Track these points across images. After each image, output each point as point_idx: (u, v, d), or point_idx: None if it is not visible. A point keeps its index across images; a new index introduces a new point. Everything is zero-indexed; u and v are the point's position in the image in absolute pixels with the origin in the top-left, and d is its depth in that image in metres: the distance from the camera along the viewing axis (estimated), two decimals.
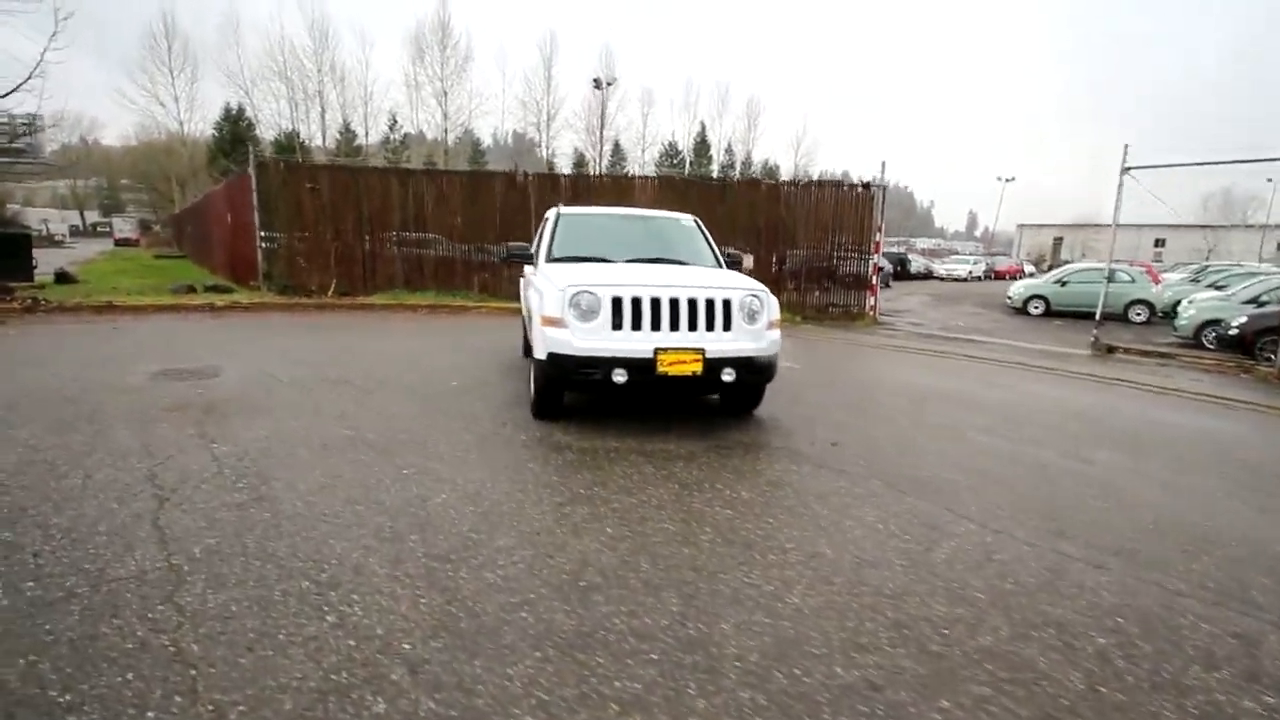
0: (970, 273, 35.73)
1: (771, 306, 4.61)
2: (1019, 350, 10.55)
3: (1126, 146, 10.25)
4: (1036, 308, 17.50)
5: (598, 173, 37.55)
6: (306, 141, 39.66)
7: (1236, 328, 10.41)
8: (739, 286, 4.55)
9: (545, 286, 4.58)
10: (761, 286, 4.67)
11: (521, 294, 7.09)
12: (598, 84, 33.43)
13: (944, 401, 6.29)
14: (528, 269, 6.72)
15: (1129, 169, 10.27)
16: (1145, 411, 6.50)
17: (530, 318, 5.41)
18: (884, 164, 12.79)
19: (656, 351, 4.21)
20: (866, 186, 12.99)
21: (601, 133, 43.65)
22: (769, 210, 13.30)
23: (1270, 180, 37.30)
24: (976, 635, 2.37)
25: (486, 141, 49.45)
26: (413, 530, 3.01)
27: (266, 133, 38.83)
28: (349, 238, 13.39)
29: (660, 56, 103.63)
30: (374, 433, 4.43)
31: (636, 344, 4.25)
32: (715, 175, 42.90)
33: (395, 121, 41.70)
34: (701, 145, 49.94)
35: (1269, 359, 9.38)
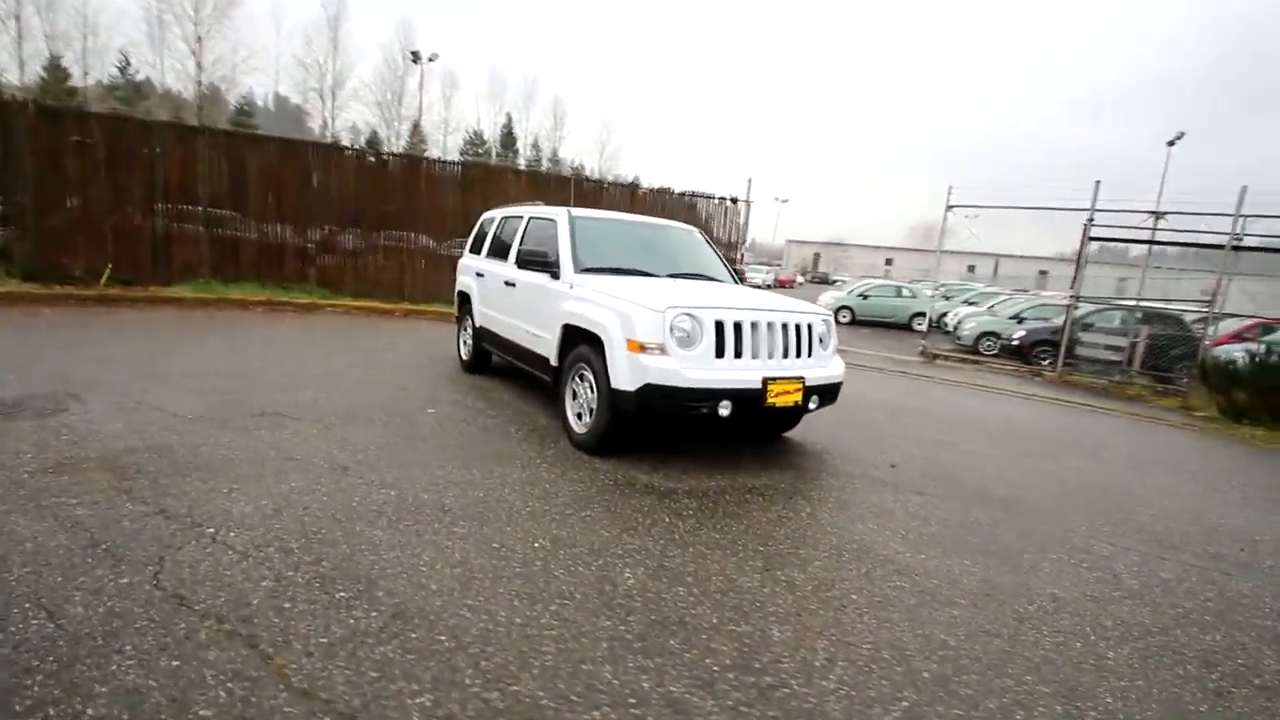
0: (764, 281, 40.04)
1: (834, 329, 4.55)
2: (868, 357, 11.98)
3: (950, 188, 12.25)
4: (844, 317, 20.12)
5: (453, 157, 34.16)
6: None
7: (1017, 339, 13.07)
8: (811, 309, 4.41)
9: (619, 305, 3.96)
10: (821, 308, 4.60)
11: (477, 298, 6.11)
12: (415, 57, 30.15)
13: (871, 409, 6.85)
14: (482, 266, 5.84)
15: (951, 206, 12.29)
16: (989, 404, 7.81)
17: (521, 327, 4.78)
18: (749, 180, 13.60)
19: (765, 381, 3.89)
20: (735, 201, 13.69)
21: (401, 110, 39.87)
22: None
23: (969, 216, 47.46)
24: None
25: (256, 102, 42.11)
26: (680, 639, 2.35)
27: None
28: (133, 211, 10.33)
29: (465, 40, 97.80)
30: (424, 490, 3.43)
31: (745, 374, 3.88)
32: (568, 172, 41.86)
33: (128, 64, 33.44)
34: (508, 137, 48.48)
35: (1047, 364, 11.94)
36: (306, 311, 10.16)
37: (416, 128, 44.09)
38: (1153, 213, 10.53)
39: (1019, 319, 14.73)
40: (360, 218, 11.79)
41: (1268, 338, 10.35)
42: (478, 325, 6.13)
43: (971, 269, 49.96)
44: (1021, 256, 52.48)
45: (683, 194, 13.59)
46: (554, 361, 4.62)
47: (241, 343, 7.10)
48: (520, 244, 5.49)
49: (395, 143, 41.25)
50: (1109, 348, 11.27)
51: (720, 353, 3.87)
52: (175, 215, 10.65)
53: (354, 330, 8.81)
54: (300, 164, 11.49)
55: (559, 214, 5.06)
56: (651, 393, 3.74)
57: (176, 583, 2.34)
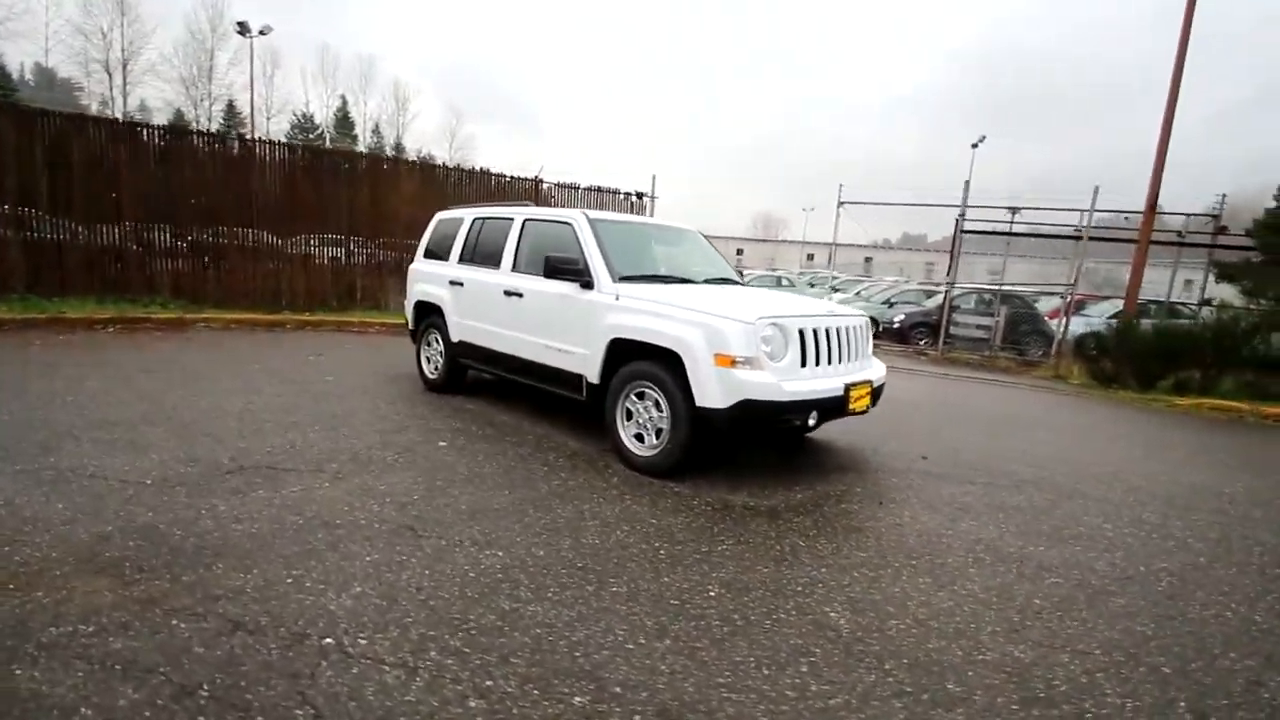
0: None
1: None
2: None
3: (841, 185, 13.15)
4: None
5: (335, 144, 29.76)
6: None
7: (898, 322, 14.41)
8: (856, 312, 4.43)
9: (697, 317, 3.65)
10: (859, 310, 4.65)
11: (453, 309, 5.43)
12: (243, 29, 25.77)
13: None
14: (459, 274, 5.23)
15: (843, 203, 13.21)
16: (909, 384, 8.59)
17: (539, 342, 4.45)
18: (654, 177, 13.57)
19: (847, 388, 3.82)
20: (640, 196, 13.60)
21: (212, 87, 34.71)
22: None
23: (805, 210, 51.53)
24: None
25: (10, 74, 34.39)
26: (955, 681, 2.17)
27: None
28: None
29: (287, 13, 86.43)
30: (530, 545, 2.92)
31: (830, 381, 3.78)
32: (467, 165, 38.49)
33: None
34: (345, 121, 44.24)
35: (925, 344, 13.30)
36: (174, 329, 8.45)
37: (232, 108, 38.78)
38: (1010, 208, 12.10)
39: (889, 304, 16.26)
40: (221, 215, 10.04)
41: (1105, 313, 12.33)
42: (455, 340, 5.44)
43: (811, 258, 54.43)
44: (850, 245, 58.39)
45: (589, 189, 13.22)
46: (592, 379, 4.20)
47: (129, 375, 5.69)
48: (518, 249, 4.94)
49: (207, 124, 35.87)
50: (979, 327, 12.80)
51: (804, 361, 3.74)
52: None
53: (252, 349, 7.47)
54: (138, 151, 9.49)
55: (574, 216, 4.59)
56: (748, 409, 3.52)
57: None
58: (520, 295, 4.74)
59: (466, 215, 5.66)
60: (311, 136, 41.56)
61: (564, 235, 4.62)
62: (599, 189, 13.28)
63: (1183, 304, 12.34)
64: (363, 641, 2.13)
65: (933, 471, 4.48)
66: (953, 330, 12.95)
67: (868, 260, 53.26)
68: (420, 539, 2.92)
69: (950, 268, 12.54)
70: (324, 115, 44.18)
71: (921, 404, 7.32)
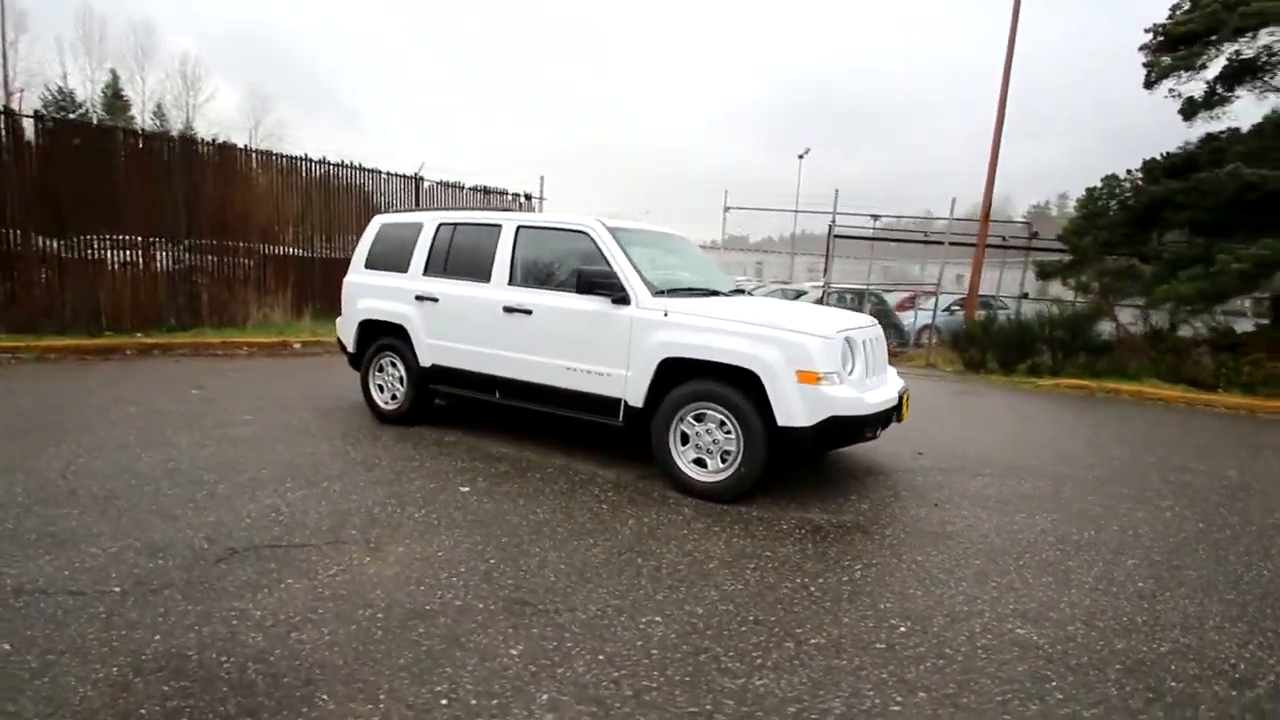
0: None
1: None
2: None
3: (726, 191, 13.66)
4: None
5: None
6: None
7: None
8: (873, 320, 4.54)
9: (772, 333, 3.48)
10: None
11: (425, 329, 4.71)
12: None
13: None
14: (432, 288, 4.61)
15: (729, 208, 13.74)
16: None
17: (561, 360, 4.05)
18: (542, 178, 13.06)
19: (900, 396, 3.87)
20: (529, 198, 13.01)
21: None
22: None
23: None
24: None
25: None
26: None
27: None
28: None
29: None
30: (677, 608, 2.55)
31: (888, 392, 3.82)
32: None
33: None
34: (117, 100, 37.15)
35: None
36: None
37: None
38: (873, 215, 13.40)
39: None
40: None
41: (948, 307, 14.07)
42: (427, 364, 4.70)
43: None
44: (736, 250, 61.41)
45: (474, 189, 12.34)
46: (634, 403, 3.85)
47: None
48: (513, 260, 4.38)
49: None
50: None
51: (868, 373, 3.74)
52: None
53: (104, 386, 5.90)
54: None
55: (590, 225, 4.15)
56: (834, 425, 3.42)
57: None
58: (527, 312, 4.20)
59: (425, 220, 4.92)
60: (80, 114, 34.29)
61: (578, 246, 4.17)
62: (485, 189, 12.47)
63: (1007, 297, 14.58)
64: None
65: (940, 466, 4.73)
66: None
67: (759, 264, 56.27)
68: (550, 616, 2.43)
69: (826, 268, 13.60)
70: (88, 92, 36.66)
71: None
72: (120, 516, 3.09)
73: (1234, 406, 7.79)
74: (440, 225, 4.80)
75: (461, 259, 4.62)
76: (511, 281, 4.35)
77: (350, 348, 5.20)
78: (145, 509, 3.19)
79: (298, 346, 8.92)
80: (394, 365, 4.92)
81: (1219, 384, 8.39)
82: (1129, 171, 11.69)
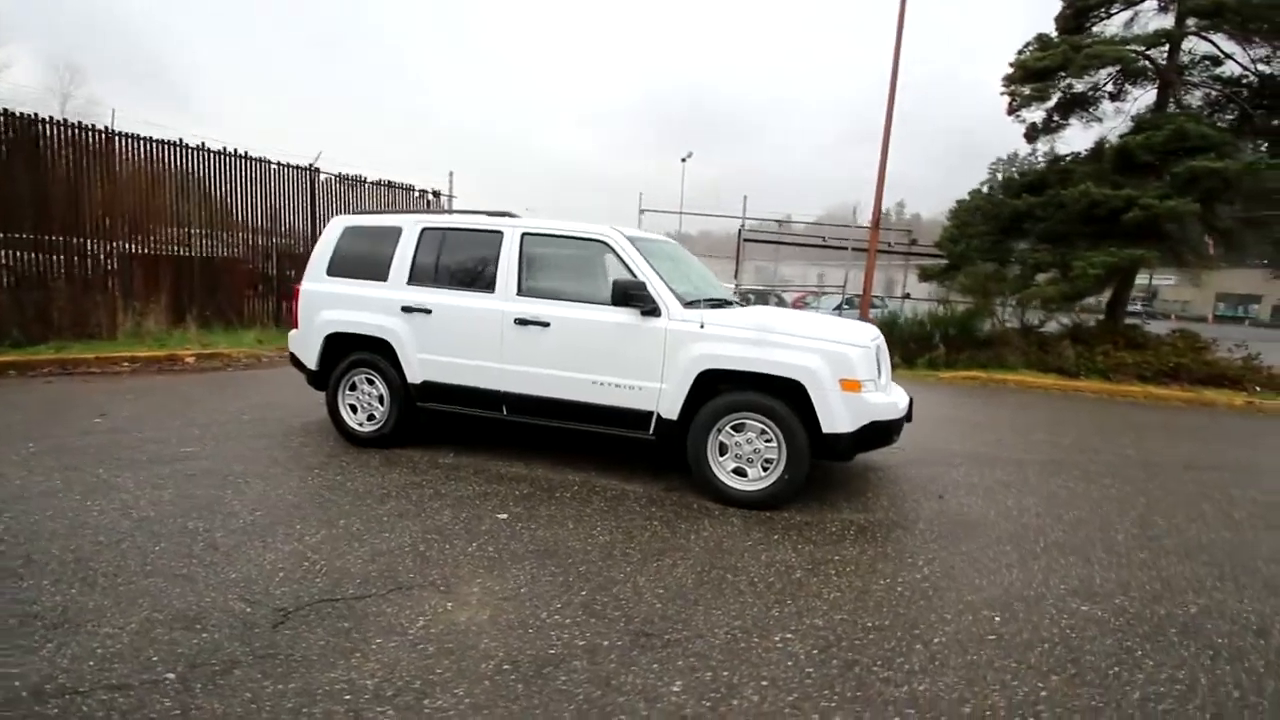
0: None
1: None
2: None
3: (641, 194, 13.77)
4: None
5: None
6: None
7: None
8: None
9: (814, 344, 3.58)
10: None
11: (416, 344, 4.34)
12: None
13: None
14: (423, 299, 4.29)
15: (644, 210, 13.86)
16: None
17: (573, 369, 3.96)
18: (451, 174, 12.44)
19: (910, 401, 4.14)
20: (437, 195, 12.30)
21: None
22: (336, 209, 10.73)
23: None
24: None
25: None
26: None
27: None
28: None
29: None
30: (815, 635, 2.57)
31: (904, 398, 4.06)
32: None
33: None
34: None
35: None
36: None
37: None
38: (780, 221, 14.15)
39: None
40: None
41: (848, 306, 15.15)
42: (418, 381, 4.31)
43: None
44: None
45: (378, 183, 11.45)
46: (669, 415, 3.79)
47: None
48: (520, 269, 4.13)
49: None
50: None
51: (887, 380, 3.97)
52: None
53: None
54: None
55: (609, 234, 4.00)
56: (873, 430, 3.60)
57: None
58: (545, 324, 3.99)
59: (405, 223, 4.51)
60: None
61: (597, 255, 4.04)
62: (390, 184, 11.60)
63: (891, 298, 16.06)
64: None
65: (915, 459, 5.13)
66: None
67: None
68: (684, 645, 2.35)
69: (736, 270, 14.16)
70: None
71: None
72: (112, 584, 2.56)
73: (1096, 391, 9.16)
74: (425, 230, 4.42)
75: (456, 267, 4.29)
76: (520, 292, 4.11)
77: (312, 365, 4.64)
78: (139, 572, 2.66)
79: (190, 360, 7.79)
80: (373, 383, 4.47)
81: (1080, 372, 9.82)
82: (990, 187, 13.37)
